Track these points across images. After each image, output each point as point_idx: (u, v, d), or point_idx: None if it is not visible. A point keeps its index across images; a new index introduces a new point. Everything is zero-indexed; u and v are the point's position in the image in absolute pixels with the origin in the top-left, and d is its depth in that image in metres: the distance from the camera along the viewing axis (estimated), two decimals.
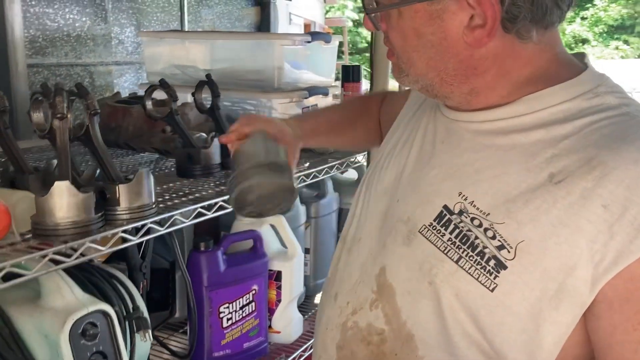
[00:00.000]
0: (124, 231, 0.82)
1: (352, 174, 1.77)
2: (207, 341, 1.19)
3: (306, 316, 1.52)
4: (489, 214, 0.69)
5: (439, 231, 0.72)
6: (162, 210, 0.92)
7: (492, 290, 0.67)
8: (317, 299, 1.62)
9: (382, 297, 0.77)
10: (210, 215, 1.01)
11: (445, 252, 0.71)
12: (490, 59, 0.72)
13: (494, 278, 0.67)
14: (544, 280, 0.65)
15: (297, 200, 1.51)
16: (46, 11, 1.65)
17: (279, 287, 1.34)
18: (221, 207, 1.02)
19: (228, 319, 1.21)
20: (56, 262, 0.76)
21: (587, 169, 0.65)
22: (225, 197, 1.03)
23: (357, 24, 11.04)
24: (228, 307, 1.21)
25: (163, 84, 1.19)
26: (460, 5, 0.68)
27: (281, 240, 1.37)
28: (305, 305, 1.58)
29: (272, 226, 1.35)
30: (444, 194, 0.74)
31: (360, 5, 0.79)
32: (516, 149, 0.71)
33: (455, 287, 0.69)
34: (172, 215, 0.91)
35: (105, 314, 0.88)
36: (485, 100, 0.74)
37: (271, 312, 1.34)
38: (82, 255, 0.78)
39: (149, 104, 1.20)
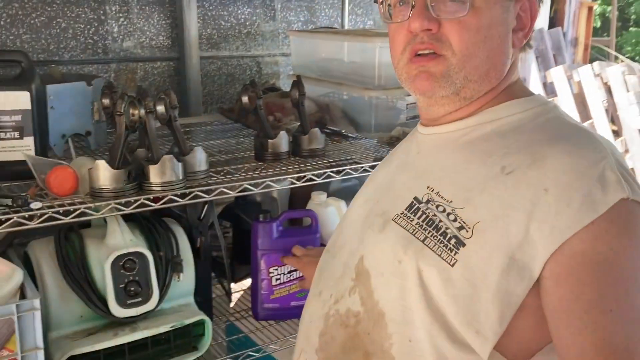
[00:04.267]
0: (146, 199, 1.15)
1: None
2: (260, 294, 1.48)
3: None
4: (451, 201, 0.81)
5: (408, 217, 0.84)
6: (204, 184, 1.23)
7: (452, 265, 0.77)
8: None
9: (360, 282, 0.87)
10: (256, 191, 1.28)
11: (414, 233, 0.82)
12: (511, 61, 0.87)
13: (454, 254, 0.77)
14: (496, 255, 0.74)
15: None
16: (221, 13, 2.06)
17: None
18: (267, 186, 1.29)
19: (277, 279, 1.47)
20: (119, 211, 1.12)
21: (531, 160, 0.77)
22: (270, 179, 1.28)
23: None
24: (277, 270, 1.47)
25: (252, 84, 1.49)
26: (518, 7, 0.85)
27: None
28: None
29: (335, 209, 1.55)
30: (415, 189, 0.87)
31: None
32: (476, 151, 0.85)
33: (421, 263, 0.79)
34: (193, 191, 1.20)
35: (142, 255, 1.22)
36: (464, 111, 0.88)
37: None
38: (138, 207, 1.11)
39: (244, 99, 1.50)
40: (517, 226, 0.74)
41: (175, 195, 1.18)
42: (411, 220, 0.83)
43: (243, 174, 1.33)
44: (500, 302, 0.73)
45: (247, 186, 1.28)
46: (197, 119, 1.98)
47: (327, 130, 1.74)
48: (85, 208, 1.09)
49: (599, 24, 9.70)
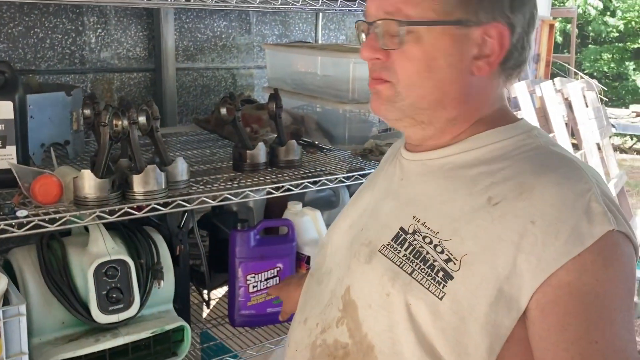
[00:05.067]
0: (130, 207, 1.18)
1: None
2: (237, 301, 1.52)
3: None
4: (438, 232, 0.81)
5: (395, 249, 0.84)
6: (186, 193, 1.27)
7: (441, 299, 0.77)
8: None
9: (347, 313, 0.86)
10: (236, 200, 1.32)
11: (401, 266, 0.81)
12: (476, 90, 0.85)
13: (442, 287, 0.77)
14: (484, 288, 0.75)
15: (345, 198, 1.73)
16: (198, 26, 2.10)
17: (308, 269, 1.59)
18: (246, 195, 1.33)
19: (254, 287, 1.51)
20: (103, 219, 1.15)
21: (518, 192, 0.77)
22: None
23: (601, 12, 10.17)
24: (254, 277, 1.51)
25: (231, 97, 1.53)
26: (482, 34, 0.81)
27: (317, 230, 1.62)
28: None
29: (311, 219, 1.61)
30: (401, 219, 0.86)
31: None
32: (461, 180, 0.84)
33: (409, 296, 0.79)
34: (175, 200, 1.24)
35: (124, 262, 1.25)
36: (444, 138, 0.88)
37: None
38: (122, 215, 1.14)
39: (223, 111, 1.55)
40: (504, 258, 0.74)
41: (158, 204, 1.21)
42: (398, 252, 0.83)
43: (222, 184, 1.38)
44: (489, 334, 0.74)
45: (228, 196, 1.32)
46: (173, 129, 2.01)
47: (302, 142, 1.79)
48: (70, 216, 1.12)
49: (560, 40, 10.02)
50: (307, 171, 1.53)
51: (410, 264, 0.81)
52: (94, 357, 1.22)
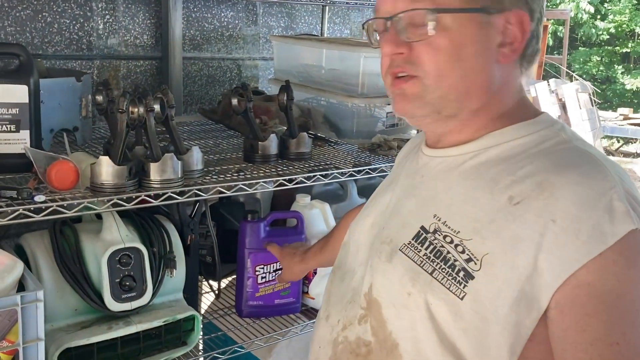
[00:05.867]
0: (147, 195, 1.18)
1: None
2: (245, 292, 1.52)
3: None
4: (459, 231, 0.80)
5: (416, 248, 0.83)
6: (200, 183, 1.27)
7: (461, 299, 0.76)
8: None
9: (371, 312, 0.86)
10: (250, 191, 1.32)
11: (422, 265, 0.81)
12: (500, 79, 0.83)
13: (463, 287, 0.76)
14: (505, 288, 0.74)
15: (353, 191, 1.73)
16: (205, 15, 2.09)
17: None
18: (261, 186, 1.33)
19: (262, 277, 1.51)
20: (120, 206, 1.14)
21: (539, 190, 0.76)
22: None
23: (592, 15, 10.28)
24: (263, 268, 1.51)
25: (243, 87, 1.53)
26: (504, 21, 0.81)
27: (326, 223, 1.62)
28: None
29: (320, 211, 1.61)
30: (421, 217, 0.85)
31: None
32: (482, 179, 0.83)
33: (430, 296, 0.78)
34: (191, 189, 1.24)
35: (138, 250, 1.25)
36: (464, 133, 0.86)
37: (309, 280, 1.61)
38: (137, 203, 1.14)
39: (234, 102, 1.54)
40: (525, 258, 0.73)
41: (175, 192, 1.21)
42: (418, 252, 0.82)
43: (235, 175, 1.37)
44: (510, 334, 0.74)
45: (242, 186, 1.32)
46: (178, 118, 1.99)
47: (311, 135, 1.79)
48: (88, 202, 1.11)
49: (551, 42, 10.10)
50: (317, 164, 1.53)
51: (431, 263, 0.80)
52: (105, 345, 1.21)
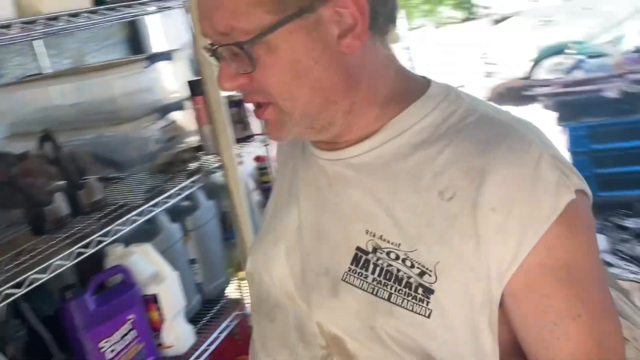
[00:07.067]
0: None
1: None
2: None
3: (204, 321, 1.64)
4: (400, 244, 0.71)
5: (360, 274, 0.73)
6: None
7: (428, 317, 0.69)
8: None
9: (335, 349, 0.75)
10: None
11: (375, 293, 0.72)
12: (359, 68, 0.73)
13: (427, 304, 0.69)
14: (468, 293, 0.68)
15: (164, 220, 1.60)
16: None
17: (159, 309, 1.44)
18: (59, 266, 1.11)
19: (111, 351, 1.31)
20: None
21: (468, 180, 0.69)
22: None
23: None
24: (108, 341, 1.30)
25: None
26: (332, 10, 0.69)
27: (152, 263, 1.46)
28: (203, 312, 1.69)
29: (141, 255, 1.44)
30: (351, 236, 0.75)
31: None
32: (400, 177, 0.74)
33: (395, 324, 0.70)
34: None
35: None
36: (357, 130, 0.76)
37: (158, 331, 1.44)
38: None
39: None
40: (478, 256, 0.68)
41: None
42: (365, 278, 0.73)
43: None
44: (486, 337, 0.70)
45: (35, 277, 1.10)
46: None
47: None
48: None
49: None
50: (124, 206, 1.36)
51: (385, 287, 0.71)
52: None
